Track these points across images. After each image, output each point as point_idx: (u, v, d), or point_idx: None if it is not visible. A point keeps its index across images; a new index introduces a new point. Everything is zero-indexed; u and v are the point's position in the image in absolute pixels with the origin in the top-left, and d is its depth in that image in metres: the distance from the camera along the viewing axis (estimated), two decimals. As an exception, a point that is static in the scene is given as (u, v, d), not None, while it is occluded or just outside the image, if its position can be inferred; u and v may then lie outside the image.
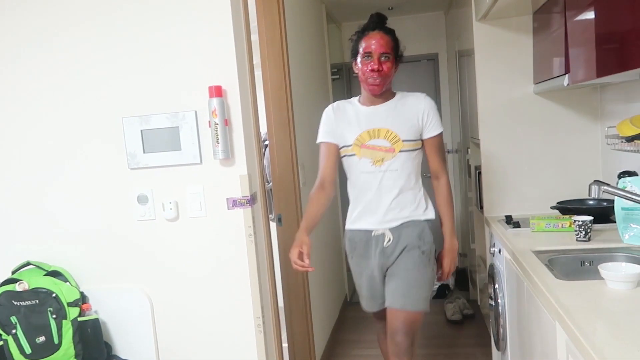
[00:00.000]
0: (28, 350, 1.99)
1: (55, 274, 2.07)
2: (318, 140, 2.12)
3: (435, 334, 3.59)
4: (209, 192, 2.06)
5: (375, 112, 2.04)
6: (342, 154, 2.09)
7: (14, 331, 1.99)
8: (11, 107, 2.14)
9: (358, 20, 4.87)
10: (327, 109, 2.12)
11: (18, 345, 1.99)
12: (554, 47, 2.29)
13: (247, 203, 2.04)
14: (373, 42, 1.96)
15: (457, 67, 4.15)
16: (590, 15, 1.84)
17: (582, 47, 1.94)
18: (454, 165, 4.87)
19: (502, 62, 2.76)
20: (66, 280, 2.07)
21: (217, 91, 1.96)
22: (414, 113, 2.03)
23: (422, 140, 2.07)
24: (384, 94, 2.05)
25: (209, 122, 1.97)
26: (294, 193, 2.83)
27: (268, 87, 2.72)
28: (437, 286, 4.26)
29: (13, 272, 2.09)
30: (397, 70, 2.03)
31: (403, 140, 2.00)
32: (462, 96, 4.01)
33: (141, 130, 2.05)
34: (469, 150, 3.71)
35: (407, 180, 2.03)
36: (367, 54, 1.97)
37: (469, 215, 3.94)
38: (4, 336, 2.00)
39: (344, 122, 2.07)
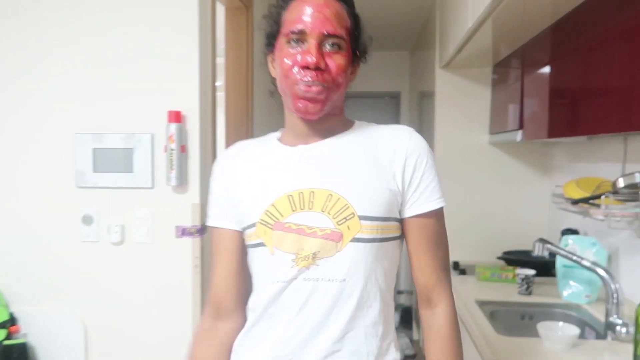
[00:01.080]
0: (-54, 372, 1.86)
1: (-16, 291, 1.96)
2: (207, 223, 1.13)
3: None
4: (158, 218, 2.00)
5: (308, 158, 1.02)
6: (246, 243, 1.06)
7: None
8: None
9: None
10: (216, 163, 1.12)
11: None
12: (510, 102, 2.37)
13: (196, 232, 1.99)
14: (308, 12, 0.97)
15: (419, 108, 4.25)
16: (545, 76, 1.92)
17: (536, 106, 2.02)
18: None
19: (461, 109, 2.84)
20: (-4, 299, 1.96)
21: (176, 116, 1.92)
22: (387, 162, 1.00)
23: (400, 221, 1.02)
24: (327, 120, 1.03)
25: (165, 147, 1.93)
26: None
27: (230, 113, 2.70)
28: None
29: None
30: (355, 75, 1.08)
31: (361, 218, 0.96)
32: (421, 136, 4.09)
33: (93, 149, 1.99)
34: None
35: (364, 300, 0.97)
36: (296, 35, 0.97)
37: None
38: None
39: (246, 181, 1.06)
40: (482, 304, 1.96)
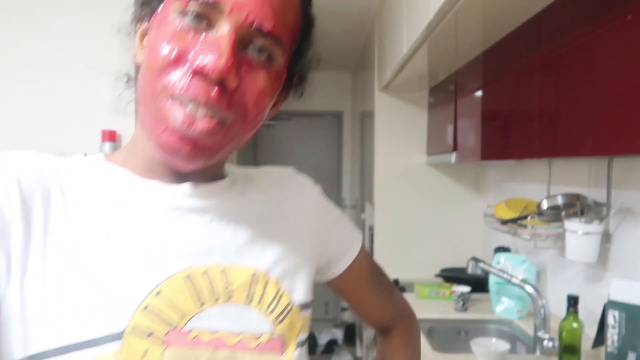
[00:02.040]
0: None
1: None
2: None
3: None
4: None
5: (203, 211, 0.60)
6: None
7: None
8: None
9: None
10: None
11: None
12: (445, 125, 2.46)
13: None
14: None
15: (361, 127, 4.33)
16: (477, 101, 2.01)
17: (469, 129, 2.10)
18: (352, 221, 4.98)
19: (400, 130, 2.91)
20: None
21: (110, 136, 1.87)
22: (296, 224, 0.69)
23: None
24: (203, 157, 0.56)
25: (99, 166, 1.87)
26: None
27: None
28: (326, 340, 4.26)
29: None
30: (276, 111, 0.69)
31: (301, 309, 0.64)
32: (362, 155, 4.17)
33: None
34: (365, 208, 3.83)
35: None
36: (201, 7, 0.53)
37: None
38: None
39: (90, 248, 0.53)
40: (421, 321, 1.99)
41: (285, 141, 5.00)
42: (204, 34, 0.52)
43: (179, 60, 0.52)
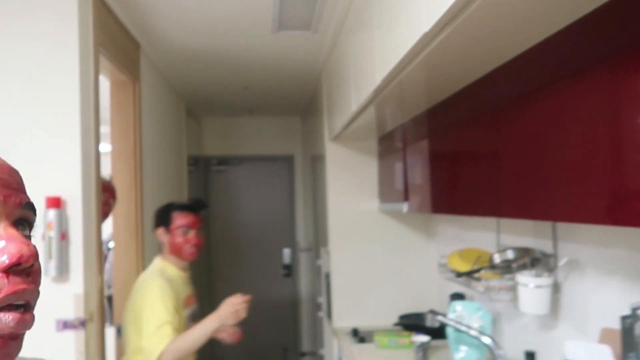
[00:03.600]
0: None
1: None
2: None
3: None
4: (35, 311, 1.82)
5: None
6: None
7: None
8: None
9: (218, 116, 4.97)
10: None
11: None
12: (395, 174, 2.51)
13: (80, 325, 1.84)
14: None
15: (312, 170, 4.35)
16: (425, 153, 2.05)
17: (418, 181, 2.15)
18: (305, 264, 4.95)
19: (352, 178, 2.95)
20: None
21: (54, 202, 1.80)
22: None
23: None
24: None
25: (43, 235, 1.79)
26: (137, 303, 2.63)
27: (117, 184, 2.58)
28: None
29: None
30: None
31: None
32: (315, 199, 4.18)
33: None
34: (321, 252, 3.82)
35: None
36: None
37: (318, 321, 3.98)
38: None
39: None
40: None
41: (236, 185, 4.95)
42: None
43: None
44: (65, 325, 1.84)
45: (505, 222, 1.92)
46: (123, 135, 2.59)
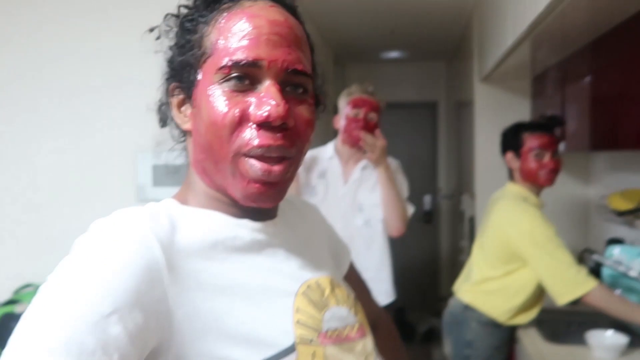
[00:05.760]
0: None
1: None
2: None
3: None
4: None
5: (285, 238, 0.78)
6: None
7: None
8: (31, 127, 2.22)
9: (362, 62, 5.05)
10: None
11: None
12: (551, 114, 2.41)
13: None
14: (263, 31, 0.61)
15: (456, 117, 4.28)
16: (586, 88, 1.95)
17: (577, 118, 2.06)
18: (446, 211, 4.96)
19: (501, 120, 2.86)
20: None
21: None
22: (319, 238, 0.84)
23: None
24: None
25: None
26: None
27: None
28: (424, 329, 4.30)
29: (14, 293, 2.13)
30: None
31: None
32: (460, 145, 4.13)
33: (153, 165, 2.14)
34: (463, 199, 3.81)
35: None
36: (243, 69, 0.61)
37: (459, 265, 4.01)
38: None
39: (238, 286, 0.68)
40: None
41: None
42: (250, 91, 0.60)
43: (242, 120, 0.60)
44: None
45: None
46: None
